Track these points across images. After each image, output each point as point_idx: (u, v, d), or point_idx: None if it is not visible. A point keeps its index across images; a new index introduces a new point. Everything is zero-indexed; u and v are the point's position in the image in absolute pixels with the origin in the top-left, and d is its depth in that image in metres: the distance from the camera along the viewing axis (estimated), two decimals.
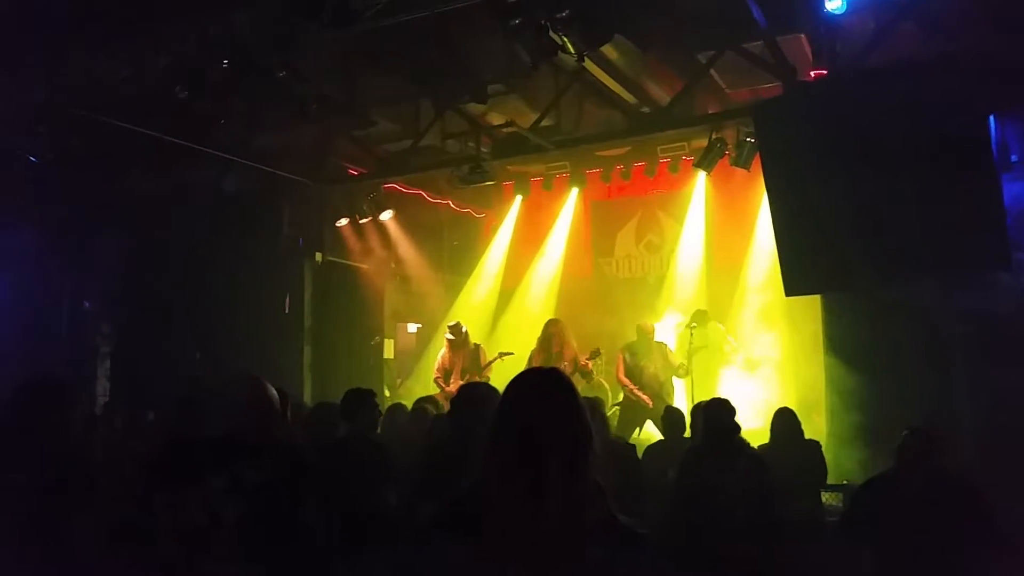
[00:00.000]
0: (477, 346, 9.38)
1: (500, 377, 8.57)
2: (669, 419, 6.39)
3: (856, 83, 6.56)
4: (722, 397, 5.07)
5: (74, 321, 9.60)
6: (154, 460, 2.79)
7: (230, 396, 2.89)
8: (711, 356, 9.15)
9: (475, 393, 3.92)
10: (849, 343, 6.93)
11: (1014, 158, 6.91)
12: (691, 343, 8.52)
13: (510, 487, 1.94)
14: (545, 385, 2.11)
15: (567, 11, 5.42)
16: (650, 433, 8.08)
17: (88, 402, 8.96)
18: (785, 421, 5.87)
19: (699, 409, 5.36)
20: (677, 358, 8.63)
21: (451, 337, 9.26)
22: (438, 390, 9.05)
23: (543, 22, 5.57)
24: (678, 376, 8.52)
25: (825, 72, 6.95)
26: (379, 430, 5.23)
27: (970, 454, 6.13)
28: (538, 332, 9.28)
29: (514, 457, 1.96)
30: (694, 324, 8.76)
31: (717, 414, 4.77)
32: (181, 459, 2.66)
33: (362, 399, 4.88)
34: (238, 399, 2.86)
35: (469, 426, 3.66)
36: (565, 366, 8.72)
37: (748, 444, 5.02)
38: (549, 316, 10.02)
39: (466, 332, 9.36)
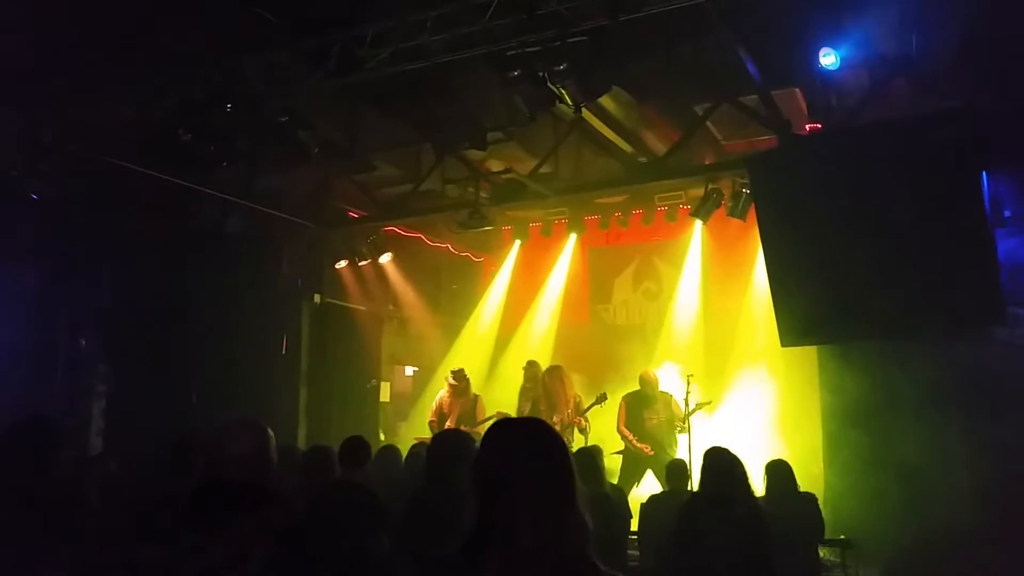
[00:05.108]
0: (477, 397, 9.27)
1: None
2: (672, 471, 6.33)
3: (850, 138, 6.65)
4: (720, 445, 5.00)
5: (70, 360, 9.57)
6: (175, 501, 2.79)
7: (238, 441, 2.90)
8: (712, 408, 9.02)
9: (450, 442, 3.93)
10: (845, 395, 6.88)
11: (1007, 213, 6.95)
12: (689, 395, 8.38)
13: (499, 539, 1.93)
14: (522, 434, 2.11)
15: (565, 64, 5.51)
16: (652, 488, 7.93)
17: (82, 442, 8.89)
18: (778, 473, 5.72)
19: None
20: (680, 410, 8.39)
21: (454, 382, 9.19)
22: (430, 434, 8.99)
23: (541, 74, 5.67)
24: (679, 430, 8.35)
25: (820, 126, 7.03)
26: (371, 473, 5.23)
27: (968, 506, 6.11)
28: None
29: (498, 509, 1.95)
30: (691, 373, 8.65)
31: (714, 462, 4.73)
32: (202, 502, 2.66)
33: (360, 447, 4.95)
34: (247, 445, 2.88)
35: (445, 476, 3.71)
36: (569, 413, 8.65)
37: (751, 494, 4.89)
38: (547, 361, 9.92)
39: (469, 380, 9.30)
